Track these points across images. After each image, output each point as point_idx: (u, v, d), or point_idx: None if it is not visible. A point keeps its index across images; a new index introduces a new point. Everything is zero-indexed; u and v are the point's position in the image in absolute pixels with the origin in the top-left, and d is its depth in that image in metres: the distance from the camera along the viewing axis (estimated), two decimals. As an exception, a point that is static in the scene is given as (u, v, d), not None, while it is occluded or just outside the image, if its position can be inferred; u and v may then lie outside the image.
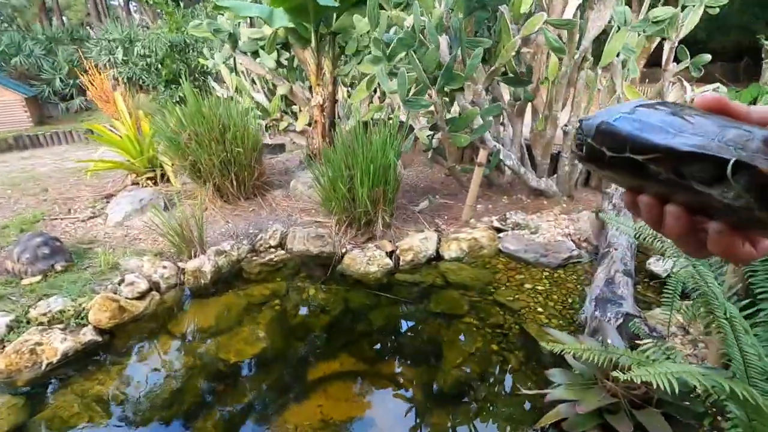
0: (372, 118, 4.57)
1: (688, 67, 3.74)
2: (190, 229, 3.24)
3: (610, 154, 0.30)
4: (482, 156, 3.39)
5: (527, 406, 2.11)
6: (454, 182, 4.51)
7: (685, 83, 3.76)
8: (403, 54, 3.28)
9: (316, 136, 4.57)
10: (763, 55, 9.76)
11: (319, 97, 4.36)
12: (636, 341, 1.88)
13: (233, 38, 4.75)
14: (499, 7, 3.31)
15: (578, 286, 2.98)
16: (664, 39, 3.68)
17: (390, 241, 3.39)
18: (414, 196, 4.16)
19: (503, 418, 2.09)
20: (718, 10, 3.30)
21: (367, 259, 3.26)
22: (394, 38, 3.22)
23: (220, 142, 3.70)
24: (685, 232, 0.31)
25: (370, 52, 3.67)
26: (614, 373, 1.19)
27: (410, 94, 3.22)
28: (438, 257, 3.40)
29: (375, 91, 5.23)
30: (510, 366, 2.41)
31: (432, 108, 3.34)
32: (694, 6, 3.35)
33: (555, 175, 4.20)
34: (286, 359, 2.56)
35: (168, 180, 4.46)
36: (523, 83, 3.63)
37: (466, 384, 2.33)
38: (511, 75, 3.63)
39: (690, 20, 3.37)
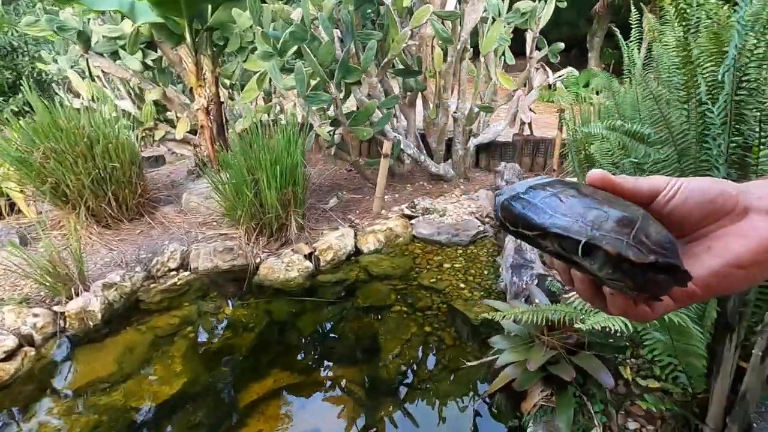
0: (260, 120, 4.32)
1: (546, 55, 4.27)
2: (65, 264, 2.71)
3: (512, 228, 0.35)
4: (386, 147, 3.45)
5: (472, 377, 2.22)
6: (357, 177, 4.52)
7: (547, 69, 4.30)
8: (294, 48, 3.16)
9: (205, 143, 4.17)
10: (587, 46, 11.74)
11: (203, 99, 3.99)
12: (555, 297, 2.09)
13: (84, 37, 4.07)
14: (384, 1, 3.37)
15: (490, 259, 3.23)
16: (525, 30, 4.15)
17: (307, 243, 3.26)
18: (321, 194, 4.06)
19: (451, 394, 2.16)
20: (565, 4, 3.82)
21: (285, 266, 3.09)
22: (281, 33, 3.08)
23: (89, 158, 3.15)
24: (589, 293, 0.35)
25: (255, 49, 3.46)
26: (577, 324, 1.30)
27: (308, 89, 3.11)
28: (357, 252, 3.38)
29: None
30: (446, 344, 2.50)
31: (331, 103, 3.29)
32: (546, 0, 3.83)
33: (450, 160, 4.47)
34: (214, 389, 2.31)
35: (19, 210, 3.67)
36: (413, 74, 3.77)
37: (409, 370, 2.36)
38: (401, 67, 3.74)
39: (545, 12, 3.85)
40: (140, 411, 2.19)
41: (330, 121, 3.67)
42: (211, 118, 4.12)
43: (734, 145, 1.08)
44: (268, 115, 4.60)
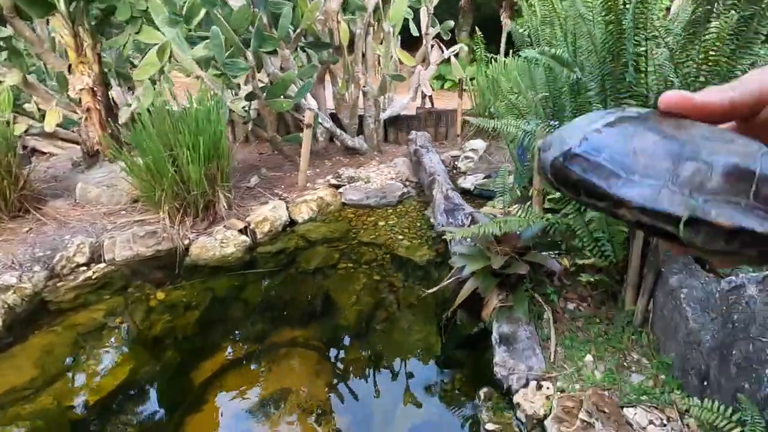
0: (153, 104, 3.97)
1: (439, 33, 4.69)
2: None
3: (572, 195, 0.27)
4: (309, 117, 3.47)
5: (429, 306, 2.42)
6: (273, 158, 4.43)
7: (442, 46, 4.72)
8: (201, 15, 3.01)
9: (93, 128, 3.69)
10: (456, 40, 12.97)
11: (87, 78, 3.53)
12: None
13: None
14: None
15: (419, 213, 3.49)
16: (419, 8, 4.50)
17: (239, 219, 3.14)
18: (240, 175, 3.90)
19: (414, 324, 2.34)
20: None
21: (219, 243, 2.94)
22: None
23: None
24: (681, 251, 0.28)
25: (150, 18, 3.19)
26: (547, 215, 1.56)
27: (224, 57, 2.99)
28: (292, 222, 3.36)
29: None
30: (397, 286, 2.67)
31: (246, 72, 3.20)
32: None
33: (362, 135, 4.65)
34: (163, 373, 2.14)
35: None
36: (324, 47, 3.84)
37: (369, 315, 2.48)
38: (312, 40, 3.78)
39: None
40: (80, 408, 1.94)
41: (245, 95, 3.55)
42: (99, 99, 3.66)
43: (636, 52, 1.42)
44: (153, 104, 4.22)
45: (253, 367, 2.19)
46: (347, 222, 3.41)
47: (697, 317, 1.46)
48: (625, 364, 1.68)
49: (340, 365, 2.14)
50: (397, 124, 5.08)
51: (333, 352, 2.24)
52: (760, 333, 1.23)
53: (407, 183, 3.92)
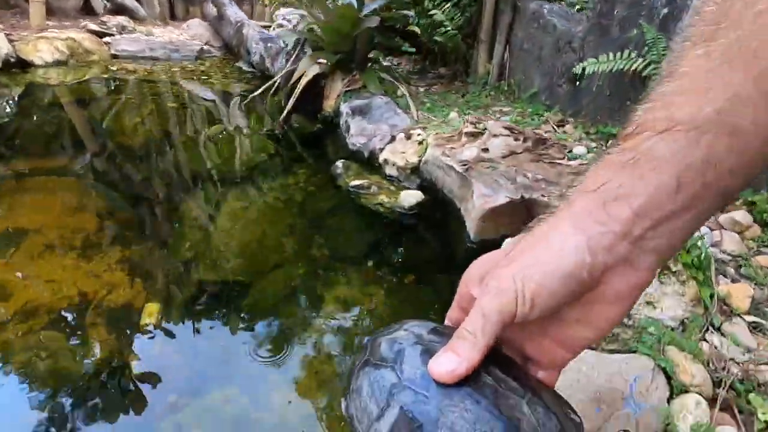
0: None
1: None
2: None
3: None
4: None
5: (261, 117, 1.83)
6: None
7: None
8: None
9: None
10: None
11: None
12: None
13: None
14: None
15: (229, 64, 2.77)
16: None
17: None
18: None
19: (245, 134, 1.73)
20: None
21: None
22: None
23: None
24: None
25: None
26: None
27: None
28: (23, 63, 2.20)
29: None
30: (210, 114, 1.99)
31: None
32: None
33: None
34: None
35: None
36: None
37: (165, 136, 1.74)
38: None
39: None
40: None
41: None
42: None
43: None
44: None
45: None
46: (125, 71, 2.45)
47: (563, 22, 1.33)
48: (490, 114, 1.50)
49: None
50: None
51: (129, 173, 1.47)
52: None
53: (206, 46, 3.10)
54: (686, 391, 0.52)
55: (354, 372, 0.29)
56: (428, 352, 0.27)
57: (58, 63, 2.32)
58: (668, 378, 0.54)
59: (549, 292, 0.24)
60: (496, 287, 0.25)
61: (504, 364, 0.27)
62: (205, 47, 2.99)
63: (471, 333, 0.26)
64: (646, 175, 0.22)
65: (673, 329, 0.58)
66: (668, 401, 0.53)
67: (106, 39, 2.69)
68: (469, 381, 0.25)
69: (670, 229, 0.23)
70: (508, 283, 0.24)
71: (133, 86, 2.20)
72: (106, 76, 2.32)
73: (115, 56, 2.64)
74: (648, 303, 0.61)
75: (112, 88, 2.18)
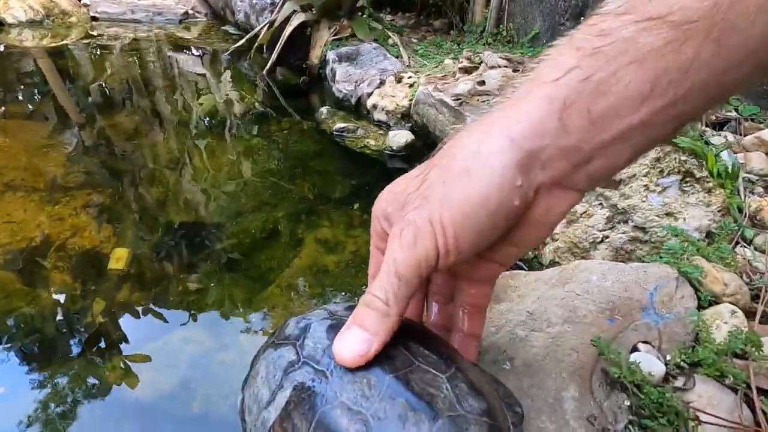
0: None
1: None
2: None
3: None
4: None
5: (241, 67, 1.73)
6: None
7: None
8: None
9: None
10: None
11: None
12: None
13: None
14: None
15: (214, 28, 2.63)
16: None
17: None
18: None
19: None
20: None
21: None
22: None
23: None
24: None
25: None
26: None
27: None
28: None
29: None
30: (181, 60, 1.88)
31: None
32: None
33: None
34: None
35: None
36: None
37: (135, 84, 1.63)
38: None
39: None
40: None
41: None
42: None
43: None
44: None
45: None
46: (114, 39, 2.33)
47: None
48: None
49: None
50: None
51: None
52: None
53: (191, 11, 2.97)
54: (717, 303, 0.44)
55: (254, 358, 0.25)
56: (337, 327, 0.23)
57: (32, 23, 2.20)
58: (694, 289, 0.45)
59: (475, 232, 0.21)
60: (410, 235, 0.21)
61: (424, 335, 0.24)
62: (191, 12, 2.86)
63: (382, 299, 0.21)
64: (621, 71, 0.17)
65: (698, 240, 0.50)
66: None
67: (85, 0, 2.57)
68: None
69: (618, 150, 0.19)
70: (424, 228, 0.20)
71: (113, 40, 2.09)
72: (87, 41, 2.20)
73: (94, 18, 2.51)
74: (668, 214, 0.52)
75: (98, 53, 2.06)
